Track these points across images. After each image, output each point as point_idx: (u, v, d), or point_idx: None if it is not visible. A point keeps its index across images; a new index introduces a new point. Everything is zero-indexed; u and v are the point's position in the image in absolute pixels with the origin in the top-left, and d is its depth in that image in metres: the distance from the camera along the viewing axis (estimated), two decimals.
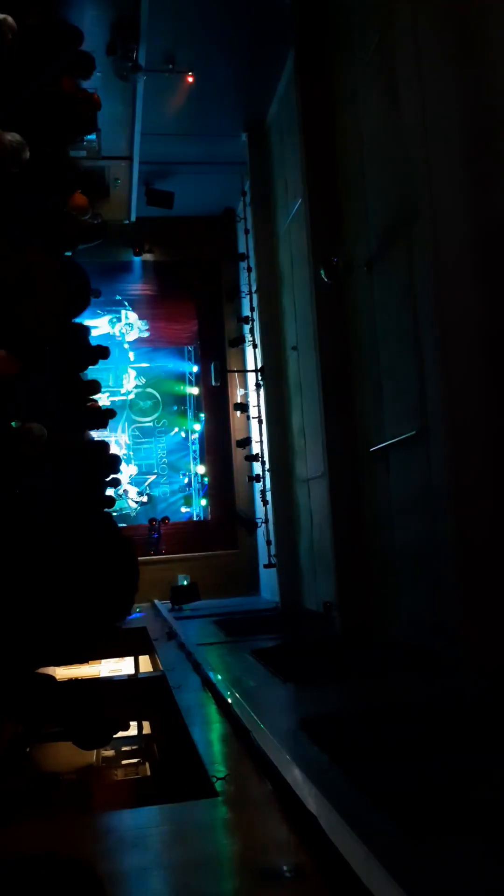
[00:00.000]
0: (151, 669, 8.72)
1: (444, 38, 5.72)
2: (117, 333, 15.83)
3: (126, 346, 16.06)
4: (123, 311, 15.80)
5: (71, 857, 1.76)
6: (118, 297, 15.68)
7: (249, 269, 12.27)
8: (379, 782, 3.35)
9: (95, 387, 7.93)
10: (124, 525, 14.90)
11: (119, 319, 15.83)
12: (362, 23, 7.41)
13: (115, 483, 10.46)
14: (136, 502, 16.00)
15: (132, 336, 15.99)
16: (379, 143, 7.16)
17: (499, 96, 5.01)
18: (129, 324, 15.84)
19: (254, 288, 12.13)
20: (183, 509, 16.55)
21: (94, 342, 7.34)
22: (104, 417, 7.02)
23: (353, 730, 4.23)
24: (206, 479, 16.09)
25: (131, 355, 16.25)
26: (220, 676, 5.80)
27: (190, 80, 10.35)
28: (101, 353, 7.65)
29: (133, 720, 10.16)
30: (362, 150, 7.59)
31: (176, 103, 10.99)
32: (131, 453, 16.51)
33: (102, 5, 9.02)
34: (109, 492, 9.14)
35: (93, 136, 10.98)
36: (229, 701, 4.81)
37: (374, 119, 7.23)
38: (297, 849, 2.69)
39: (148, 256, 14.80)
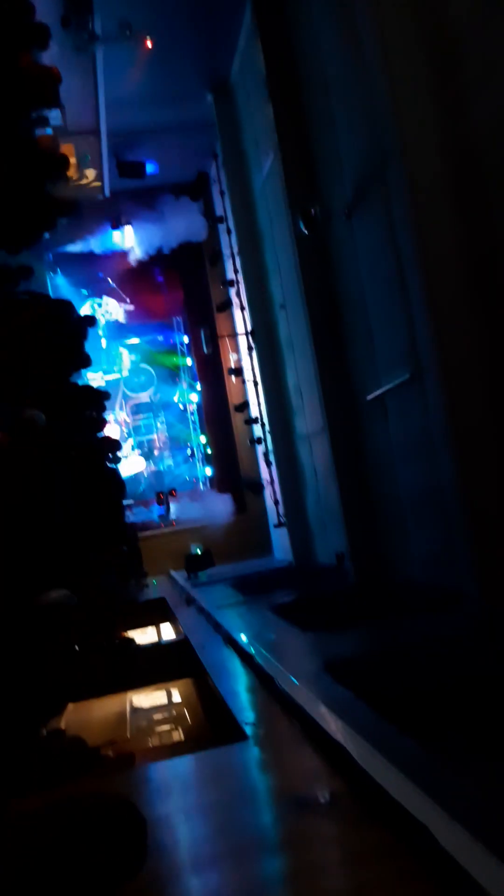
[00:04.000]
0: (174, 636, 8.85)
1: None
2: (100, 318, 15.81)
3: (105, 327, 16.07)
4: (104, 297, 15.79)
5: (113, 797, 1.83)
6: (100, 275, 15.61)
7: (229, 231, 12.18)
8: (404, 711, 3.44)
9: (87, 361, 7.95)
10: (131, 501, 14.97)
11: (101, 305, 15.83)
12: None
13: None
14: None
15: (113, 319, 16.00)
16: (345, 87, 7.07)
17: (458, 26, 4.95)
18: (107, 311, 15.85)
19: (235, 249, 12.05)
20: (189, 479, 16.62)
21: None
22: (100, 397, 7.05)
23: (376, 667, 4.33)
24: (208, 448, 16.15)
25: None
26: (241, 633, 5.90)
27: (149, 44, 10.16)
28: (89, 321, 7.66)
29: (161, 687, 10.35)
30: (329, 96, 7.51)
31: (138, 70, 10.80)
32: (131, 431, 16.55)
33: None
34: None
35: (57, 114, 10.85)
36: (252, 653, 4.91)
37: (338, 62, 7.14)
38: (330, 778, 2.78)
39: (126, 229, 14.66)
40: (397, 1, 5.68)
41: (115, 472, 8.33)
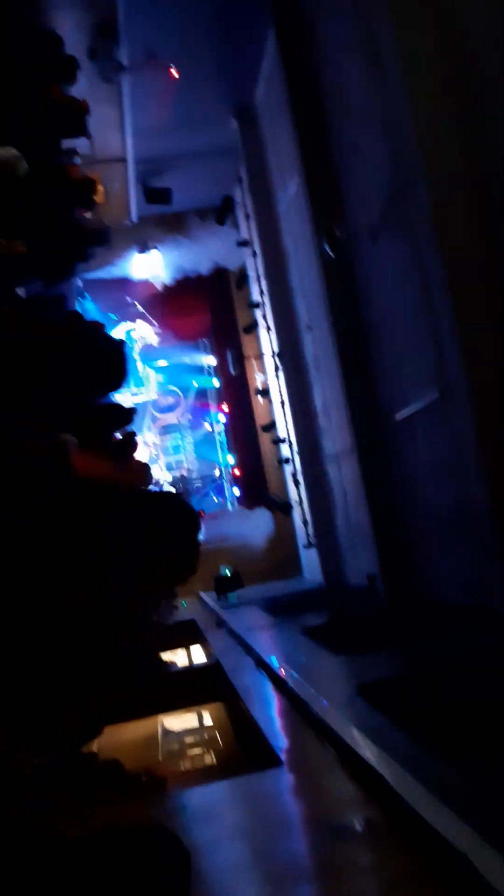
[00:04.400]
0: (205, 659, 8.83)
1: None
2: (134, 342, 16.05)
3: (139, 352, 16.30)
4: (137, 321, 16.03)
5: (156, 826, 1.84)
6: (129, 300, 15.82)
7: (255, 254, 12.27)
8: (439, 735, 3.41)
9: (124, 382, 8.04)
10: None
11: (133, 329, 16.07)
12: None
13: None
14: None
15: (147, 344, 16.25)
16: (368, 111, 7.13)
17: (479, 50, 4.99)
18: (141, 336, 16.08)
19: (261, 272, 12.13)
20: (216, 499, 16.67)
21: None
22: (128, 414, 7.10)
23: (409, 690, 4.29)
24: (235, 468, 16.19)
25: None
26: (272, 656, 5.88)
27: (174, 72, 10.35)
28: (122, 346, 7.76)
29: (192, 710, 10.32)
30: (352, 119, 7.58)
31: (163, 98, 11.00)
32: (159, 451, 16.66)
33: (79, 11, 9.06)
34: None
35: (85, 142, 11.06)
36: (284, 677, 4.89)
37: (361, 86, 7.21)
38: (365, 805, 2.76)
39: (153, 254, 14.86)
40: (419, 26, 5.73)
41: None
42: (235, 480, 16.32)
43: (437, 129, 5.75)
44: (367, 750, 3.09)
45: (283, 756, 3.41)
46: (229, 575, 12.89)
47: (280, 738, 3.76)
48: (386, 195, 7.07)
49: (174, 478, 16.44)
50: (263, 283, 12.11)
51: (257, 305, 12.61)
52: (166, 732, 10.66)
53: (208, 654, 8.34)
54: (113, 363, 6.48)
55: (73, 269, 6.48)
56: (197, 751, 9.67)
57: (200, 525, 2.05)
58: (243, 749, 5.69)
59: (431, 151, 5.77)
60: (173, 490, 15.21)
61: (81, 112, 6.46)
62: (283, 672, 5.00)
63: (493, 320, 5.47)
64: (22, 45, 5.39)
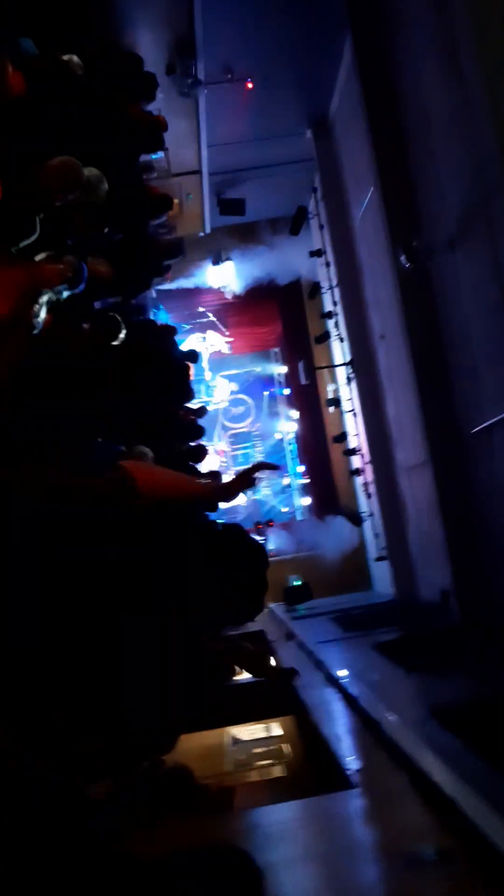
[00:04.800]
0: None
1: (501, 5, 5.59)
2: (205, 350, 16.23)
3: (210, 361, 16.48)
4: (208, 332, 16.21)
5: (230, 848, 1.84)
6: (201, 309, 16.02)
7: (328, 265, 12.25)
8: None
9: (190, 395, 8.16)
10: None
11: (204, 339, 16.26)
12: (418, 3, 7.31)
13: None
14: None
15: (217, 352, 16.39)
16: (447, 122, 7.03)
17: None
18: (211, 344, 16.25)
19: (334, 282, 12.10)
20: (285, 509, 16.66)
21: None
22: (199, 429, 7.19)
23: (484, 714, 4.18)
24: (305, 478, 16.16)
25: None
26: (343, 672, 5.82)
27: (250, 86, 10.46)
28: (192, 357, 7.88)
29: (262, 722, 10.31)
30: (430, 130, 7.48)
31: (239, 111, 11.12)
32: (230, 461, 16.77)
33: (158, 26, 9.23)
34: None
35: (161, 156, 11.27)
36: (356, 695, 4.83)
37: (439, 98, 7.12)
38: (440, 834, 2.69)
39: (227, 264, 15.00)
40: (502, 37, 5.62)
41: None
42: (305, 490, 16.29)
43: None
44: (442, 775, 3.02)
45: (354, 778, 3.36)
46: (298, 585, 12.87)
47: (351, 759, 3.71)
48: (464, 206, 6.96)
49: None
50: (336, 292, 12.07)
51: (330, 315, 12.58)
52: (235, 743, 10.68)
53: (278, 666, 8.32)
54: (179, 377, 6.57)
55: (149, 284, 6.62)
56: (265, 764, 9.67)
57: (267, 563, 2.05)
58: (313, 766, 5.65)
59: None
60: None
61: (159, 129, 6.59)
62: (354, 689, 4.95)
63: None
64: (104, 66, 5.53)
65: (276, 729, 10.47)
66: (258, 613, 2.04)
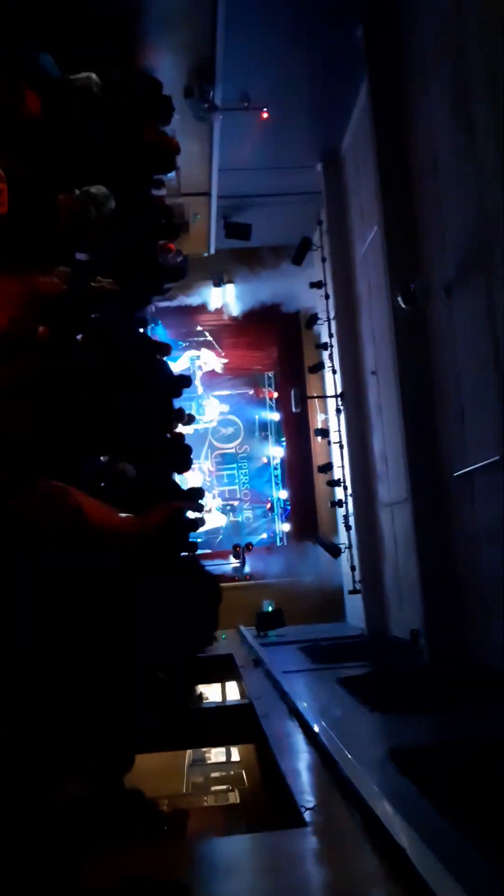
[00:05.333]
0: (238, 696, 8.79)
1: None
2: (196, 369, 16.31)
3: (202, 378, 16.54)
4: (202, 350, 16.30)
5: (170, 881, 1.84)
6: (199, 328, 16.11)
7: (327, 297, 12.37)
8: (470, 816, 3.33)
9: (180, 415, 8.18)
10: (209, 550, 15.13)
11: (198, 357, 16.35)
12: (435, 53, 7.47)
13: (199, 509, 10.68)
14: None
15: (210, 371, 16.47)
16: (454, 171, 7.17)
17: None
18: (205, 363, 16.34)
19: (332, 314, 12.21)
20: (265, 534, 16.67)
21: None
22: (187, 454, 7.20)
23: (443, 762, 4.19)
24: (287, 505, 16.18)
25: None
26: (307, 705, 5.82)
27: (265, 116, 10.61)
28: (185, 382, 7.92)
29: (223, 745, 10.24)
30: (437, 177, 7.62)
31: (252, 139, 11.27)
32: (214, 480, 16.78)
33: (179, 51, 9.36)
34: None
35: (172, 175, 11.37)
36: (317, 730, 4.84)
37: (449, 147, 7.26)
38: (387, 881, 2.70)
39: (227, 288, 15.13)
40: None
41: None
42: (286, 516, 16.32)
43: None
44: (394, 823, 3.04)
45: (307, 816, 3.37)
46: (271, 611, 12.85)
47: (306, 796, 3.71)
48: (465, 255, 7.07)
49: (224, 507, 16.53)
50: (333, 325, 12.18)
51: (325, 346, 12.68)
52: (193, 764, 10.61)
53: (242, 693, 8.30)
54: (168, 398, 6.58)
55: (148, 302, 6.68)
56: (222, 789, 9.61)
57: (219, 598, 2.08)
58: (268, 797, 5.63)
59: None
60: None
61: (172, 152, 6.65)
62: (316, 725, 4.95)
63: None
64: (123, 85, 5.60)
65: (235, 755, 10.43)
66: (208, 644, 2.07)
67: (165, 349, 7.33)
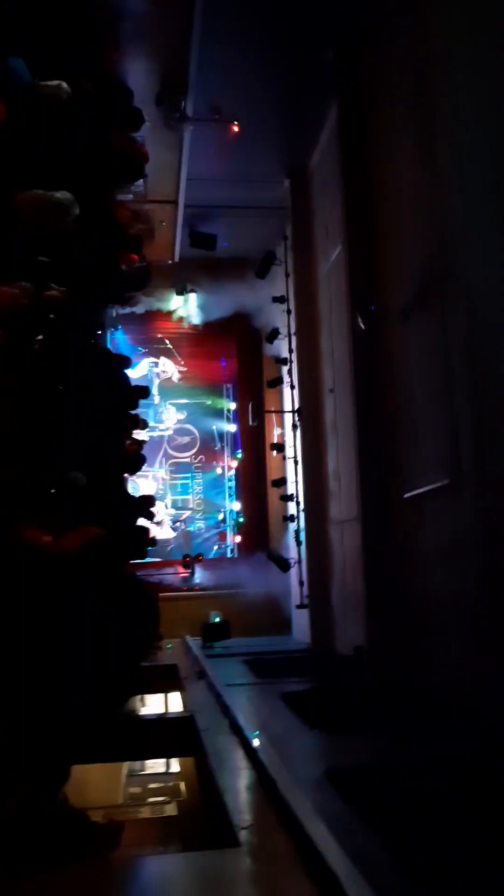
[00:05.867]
0: (181, 708, 8.74)
1: (482, 98, 5.86)
2: (154, 376, 16.28)
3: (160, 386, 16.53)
4: (161, 358, 16.29)
5: None
6: (159, 335, 16.08)
7: (289, 312, 12.45)
8: (403, 841, 3.36)
9: (141, 424, 8.16)
10: (159, 559, 15.04)
11: (157, 364, 16.32)
12: (403, 83, 7.60)
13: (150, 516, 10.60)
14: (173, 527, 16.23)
15: (167, 379, 16.47)
16: (417, 198, 7.29)
17: None
18: (164, 370, 16.32)
19: (293, 330, 12.30)
20: (217, 546, 16.64)
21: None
22: (139, 460, 7.16)
23: (380, 784, 4.23)
24: (240, 517, 16.18)
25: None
26: (248, 721, 5.82)
27: (235, 129, 10.67)
28: (142, 393, 7.90)
29: (162, 758, 10.16)
30: (401, 203, 7.74)
31: (221, 150, 11.31)
32: (168, 489, 16.70)
33: (153, 59, 9.36)
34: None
35: (140, 182, 11.35)
36: (256, 747, 4.84)
37: (413, 174, 7.38)
38: None
39: (189, 296, 15.13)
40: (477, 136, 5.88)
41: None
42: (238, 528, 16.32)
43: (483, 223, 5.86)
44: (328, 846, 3.05)
45: (241, 836, 3.36)
46: (218, 623, 12.82)
47: (242, 815, 3.71)
48: (423, 280, 7.19)
49: (175, 516, 16.46)
50: (293, 341, 12.26)
51: (284, 361, 12.75)
52: (131, 775, 10.50)
53: (185, 705, 8.26)
54: (125, 408, 6.54)
55: (107, 309, 6.65)
56: (159, 801, 9.52)
57: (158, 615, 2.10)
58: (205, 810, 5.61)
59: (474, 249, 5.88)
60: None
61: (140, 161, 6.66)
62: (255, 742, 4.95)
63: None
64: (94, 93, 5.58)
65: (175, 766, 10.35)
66: (147, 655, 2.07)
67: (124, 361, 7.31)
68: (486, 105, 5.79)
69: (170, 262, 14.33)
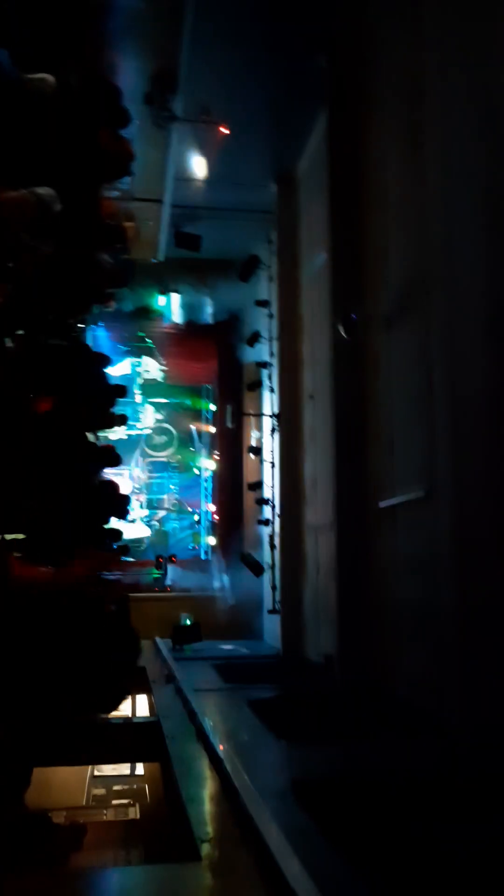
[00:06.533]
0: (147, 712, 8.69)
1: (471, 115, 5.87)
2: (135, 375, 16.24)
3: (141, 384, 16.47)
4: (143, 358, 16.24)
5: None
6: (141, 334, 16.02)
7: (271, 316, 12.43)
8: (364, 855, 3.34)
9: (119, 421, 8.05)
10: (132, 559, 14.94)
11: (140, 364, 16.27)
12: (394, 94, 7.61)
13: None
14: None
15: (148, 379, 16.43)
16: (403, 210, 7.31)
17: None
18: (146, 369, 16.27)
19: (274, 334, 12.28)
20: (191, 547, 16.58)
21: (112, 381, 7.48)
22: (116, 458, 7.06)
23: (343, 797, 4.21)
24: (215, 519, 16.15)
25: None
26: (214, 728, 5.78)
27: (224, 130, 10.62)
28: (119, 392, 7.81)
29: (126, 762, 10.09)
30: (387, 213, 7.75)
31: (209, 151, 11.26)
32: (144, 488, 16.62)
33: (144, 56, 9.31)
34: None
35: (126, 179, 11.26)
36: (221, 756, 4.80)
37: (400, 186, 7.40)
38: None
39: (172, 296, 15.08)
40: (466, 151, 5.89)
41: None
42: (213, 530, 16.28)
43: (466, 237, 5.88)
44: (288, 862, 3.02)
45: (202, 849, 3.32)
46: (189, 625, 12.75)
47: (204, 827, 3.67)
48: (405, 290, 7.20)
49: (150, 516, 16.40)
50: (275, 345, 12.24)
51: (265, 365, 12.72)
52: (94, 777, 10.40)
53: (151, 710, 8.20)
54: (103, 406, 6.47)
55: (89, 308, 6.57)
56: (122, 804, 9.44)
57: (139, 649, 2.07)
58: (169, 815, 5.56)
59: (458, 261, 5.89)
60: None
61: (127, 159, 6.57)
62: (220, 750, 4.91)
63: (490, 432, 5.53)
64: (79, 90, 5.51)
65: (140, 769, 10.27)
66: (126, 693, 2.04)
67: (104, 360, 7.21)
68: (475, 117, 5.81)
69: (154, 261, 14.25)
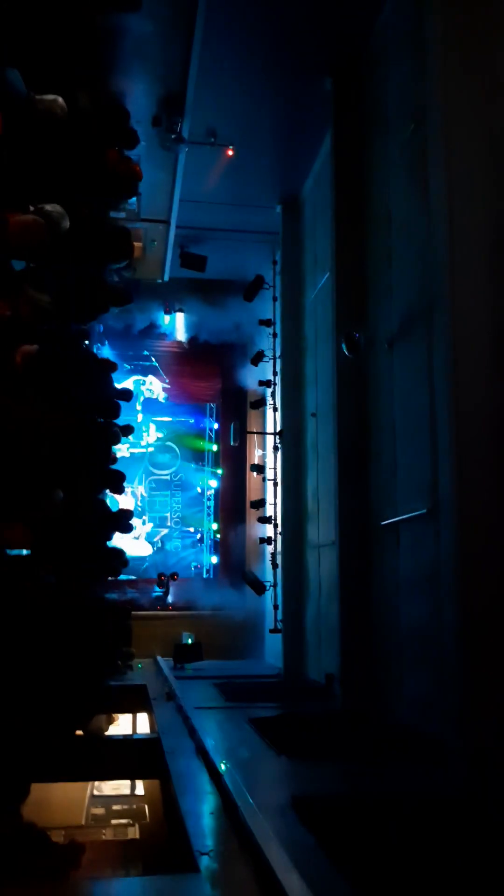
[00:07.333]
0: (148, 730, 8.65)
1: (474, 134, 5.96)
2: (140, 393, 16.32)
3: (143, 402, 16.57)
4: (149, 376, 16.36)
5: None
6: (146, 353, 16.12)
7: (275, 335, 12.53)
8: (363, 873, 3.33)
9: (126, 431, 8.09)
10: (134, 577, 14.93)
11: (143, 382, 16.37)
12: (397, 114, 7.72)
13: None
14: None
15: (152, 395, 16.51)
16: (407, 229, 7.38)
17: None
18: (149, 389, 16.38)
19: (278, 353, 12.36)
20: (193, 565, 16.57)
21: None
22: (120, 480, 7.09)
23: (343, 815, 4.19)
24: (218, 537, 16.14)
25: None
26: (214, 744, 5.76)
27: (230, 153, 10.77)
28: (125, 396, 7.87)
29: (126, 779, 10.03)
30: (391, 233, 7.83)
31: (215, 174, 11.42)
32: (147, 505, 16.65)
33: (151, 80, 9.46)
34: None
35: (133, 200, 11.41)
36: (222, 772, 4.78)
37: (404, 206, 7.48)
38: None
39: (177, 316, 15.21)
40: (469, 171, 5.97)
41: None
42: (215, 549, 16.27)
43: (470, 257, 5.94)
44: (288, 877, 3.01)
45: (201, 862, 3.31)
46: (190, 644, 12.73)
47: (203, 840, 3.66)
48: (409, 310, 7.26)
49: (152, 532, 16.41)
50: (278, 364, 12.32)
51: (268, 384, 12.81)
52: (94, 797, 10.33)
53: (152, 727, 8.17)
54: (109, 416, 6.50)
55: (91, 320, 6.64)
56: (122, 824, 9.38)
57: (130, 633, 2.09)
58: (167, 834, 5.53)
59: (461, 282, 5.94)
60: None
61: (134, 179, 6.67)
62: (221, 766, 4.90)
63: (493, 451, 5.56)
64: (90, 109, 5.61)
65: (140, 788, 10.22)
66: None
67: (110, 366, 7.27)
68: (478, 138, 5.89)
69: (159, 280, 14.39)
